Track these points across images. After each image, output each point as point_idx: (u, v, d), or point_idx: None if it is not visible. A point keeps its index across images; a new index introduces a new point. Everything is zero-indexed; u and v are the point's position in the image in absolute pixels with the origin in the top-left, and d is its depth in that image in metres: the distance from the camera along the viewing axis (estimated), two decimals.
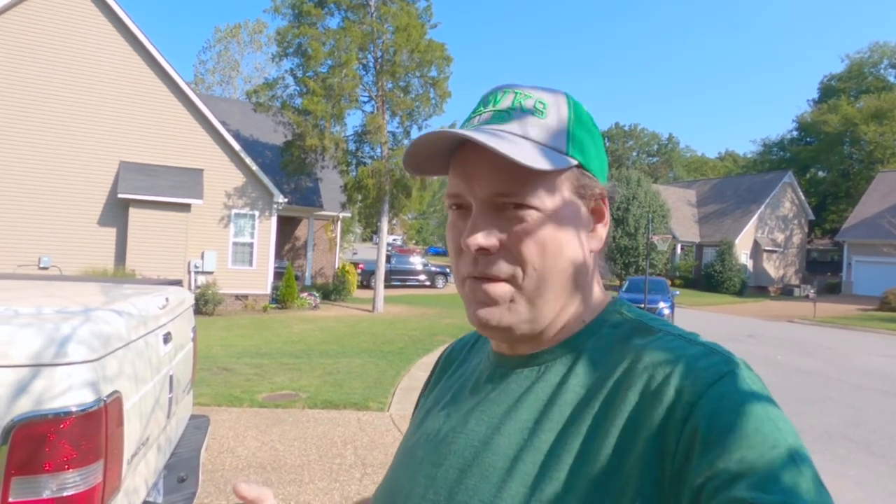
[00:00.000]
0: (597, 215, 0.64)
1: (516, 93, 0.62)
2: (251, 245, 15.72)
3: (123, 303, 2.23)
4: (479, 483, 0.58)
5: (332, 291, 18.50)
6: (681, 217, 36.97)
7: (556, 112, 0.61)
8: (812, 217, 39.33)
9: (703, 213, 39.00)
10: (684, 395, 0.51)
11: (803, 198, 38.51)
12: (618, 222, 32.72)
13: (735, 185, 40.21)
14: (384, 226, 16.44)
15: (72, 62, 13.46)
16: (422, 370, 8.33)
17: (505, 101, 0.62)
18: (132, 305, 2.25)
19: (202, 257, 14.93)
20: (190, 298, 3.38)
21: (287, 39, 15.52)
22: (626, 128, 66.97)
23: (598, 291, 0.65)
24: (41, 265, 12.86)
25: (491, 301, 0.61)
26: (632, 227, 32.37)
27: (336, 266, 20.69)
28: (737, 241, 33.36)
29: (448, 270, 28.90)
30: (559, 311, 0.63)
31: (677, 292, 17.22)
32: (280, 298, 15.94)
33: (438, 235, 56.29)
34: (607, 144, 76.14)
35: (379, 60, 15.82)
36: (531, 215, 0.59)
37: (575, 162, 0.60)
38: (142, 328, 2.22)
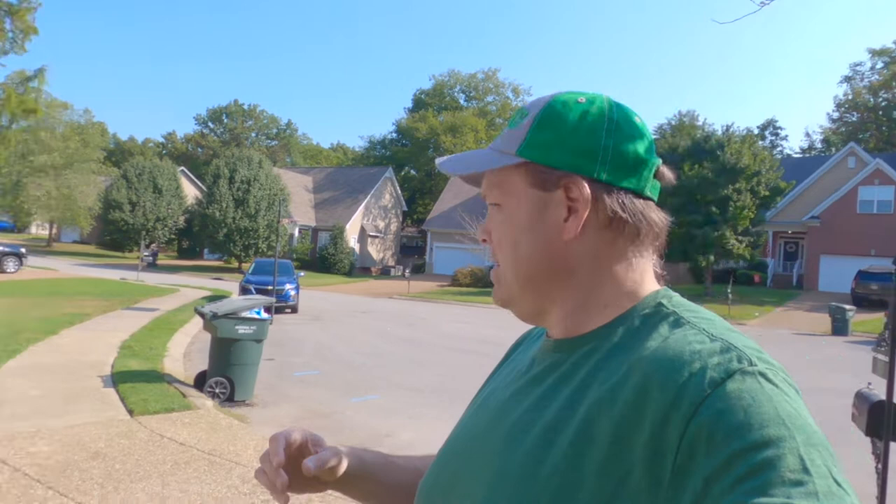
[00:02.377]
0: (570, 203, 0.63)
1: (520, 108, 0.70)
2: None
3: None
4: (500, 446, 0.63)
5: None
6: (298, 202, 38.49)
7: (528, 119, 0.67)
8: (405, 208, 46.33)
9: (319, 199, 41.52)
10: (690, 393, 0.51)
11: (399, 191, 44.94)
12: (238, 203, 31.99)
13: (346, 176, 44.08)
14: None
15: None
16: (9, 376, 6.59)
17: (513, 117, 0.71)
18: None
19: None
20: None
21: None
22: (246, 107, 65.70)
23: (635, 281, 0.65)
24: None
25: (494, 282, 0.71)
26: (252, 208, 32.06)
27: None
28: (347, 227, 36.74)
29: (23, 251, 23.16)
30: (550, 295, 0.66)
31: (302, 273, 17.94)
32: None
33: (4, 207, 43.42)
34: (226, 121, 71.36)
35: None
36: (494, 210, 0.70)
37: (519, 160, 0.65)
38: None
